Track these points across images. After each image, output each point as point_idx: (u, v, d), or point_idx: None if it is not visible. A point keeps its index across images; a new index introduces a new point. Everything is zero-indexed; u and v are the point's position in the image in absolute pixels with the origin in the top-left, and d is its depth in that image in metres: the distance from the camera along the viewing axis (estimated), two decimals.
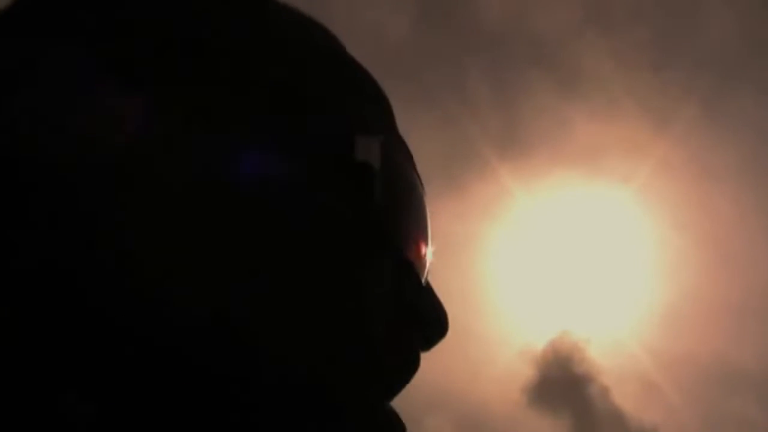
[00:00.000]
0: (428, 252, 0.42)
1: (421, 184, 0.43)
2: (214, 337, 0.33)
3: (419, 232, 0.41)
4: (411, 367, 0.39)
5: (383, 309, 0.37)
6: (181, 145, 0.33)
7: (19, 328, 0.31)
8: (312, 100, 0.37)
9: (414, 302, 0.39)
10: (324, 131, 0.37)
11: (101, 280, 0.31)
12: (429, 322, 0.40)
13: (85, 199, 0.32)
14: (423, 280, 0.41)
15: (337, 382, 0.36)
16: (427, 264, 0.42)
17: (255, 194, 0.34)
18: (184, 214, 0.33)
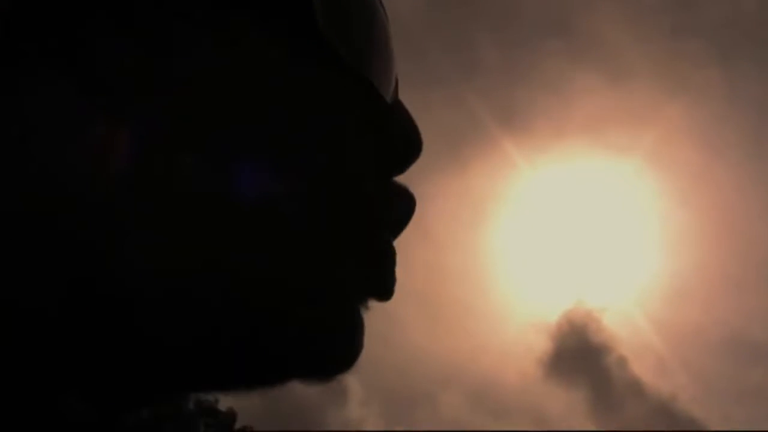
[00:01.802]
0: (392, 70, 0.39)
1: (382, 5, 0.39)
2: (218, 313, 0.32)
3: (379, 52, 0.37)
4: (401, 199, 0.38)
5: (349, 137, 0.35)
6: None
7: (19, 328, 0.30)
8: None
9: (381, 124, 0.37)
10: None
11: (101, 280, 0.31)
12: (400, 143, 0.38)
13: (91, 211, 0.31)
14: (390, 100, 0.38)
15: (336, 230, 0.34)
16: (393, 83, 0.39)
17: None
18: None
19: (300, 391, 0.36)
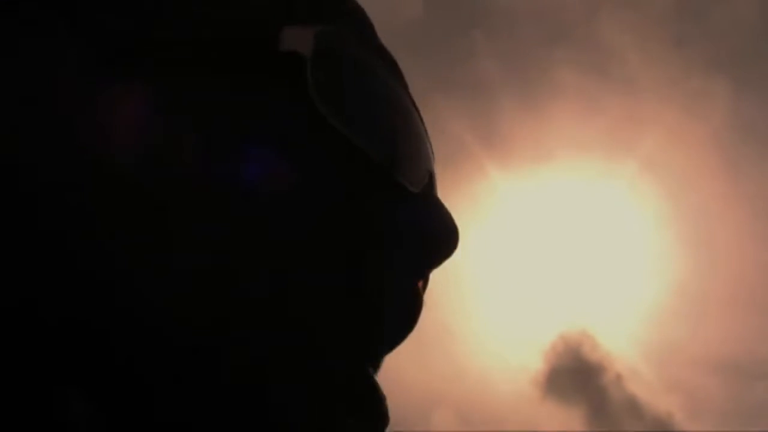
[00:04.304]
0: (421, 161, 0.37)
1: (415, 107, 0.38)
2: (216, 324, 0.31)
3: (399, 135, 0.36)
4: (412, 304, 0.35)
5: (348, 226, 0.33)
6: None
7: (18, 327, 0.30)
8: None
9: (404, 219, 0.35)
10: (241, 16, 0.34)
11: (101, 278, 0.30)
12: (428, 239, 0.35)
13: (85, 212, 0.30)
14: (414, 189, 0.36)
15: (331, 338, 0.32)
16: (419, 172, 0.36)
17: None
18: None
19: None
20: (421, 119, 0.39)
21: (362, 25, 0.39)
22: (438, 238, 0.35)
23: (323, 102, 0.33)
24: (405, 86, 0.39)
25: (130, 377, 0.31)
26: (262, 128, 0.33)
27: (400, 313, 0.35)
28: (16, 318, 0.30)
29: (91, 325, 0.30)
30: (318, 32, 0.34)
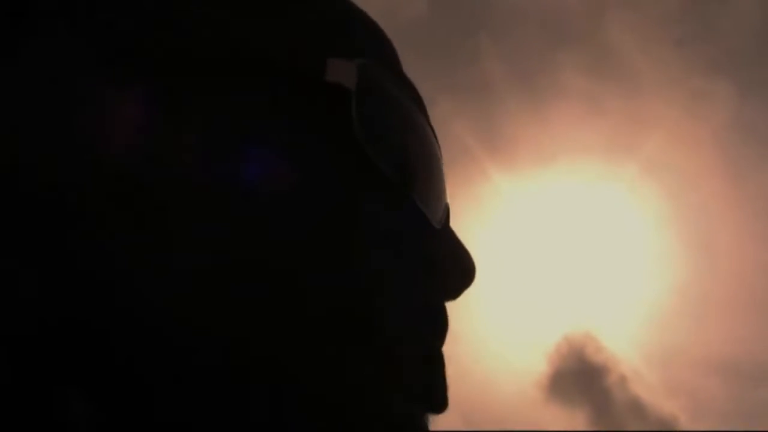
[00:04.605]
0: (441, 197, 0.38)
1: (435, 138, 0.39)
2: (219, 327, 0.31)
3: (424, 172, 0.37)
4: (440, 328, 0.36)
5: (388, 262, 0.34)
6: None
7: (18, 327, 0.30)
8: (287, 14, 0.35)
9: (429, 250, 0.36)
10: (290, 48, 0.34)
11: (101, 277, 0.30)
12: (448, 271, 0.37)
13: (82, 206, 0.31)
14: (437, 225, 0.37)
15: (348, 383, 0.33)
16: (441, 209, 0.38)
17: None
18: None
19: None
20: (440, 151, 0.40)
21: (393, 57, 0.40)
22: (465, 271, 0.38)
23: (363, 128, 0.34)
24: (426, 116, 0.40)
25: (130, 377, 0.31)
26: (263, 128, 0.33)
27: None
28: (16, 318, 0.30)
29: (91, 325, 0.30)
30: (360, 65, 0.35)
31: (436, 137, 0.40)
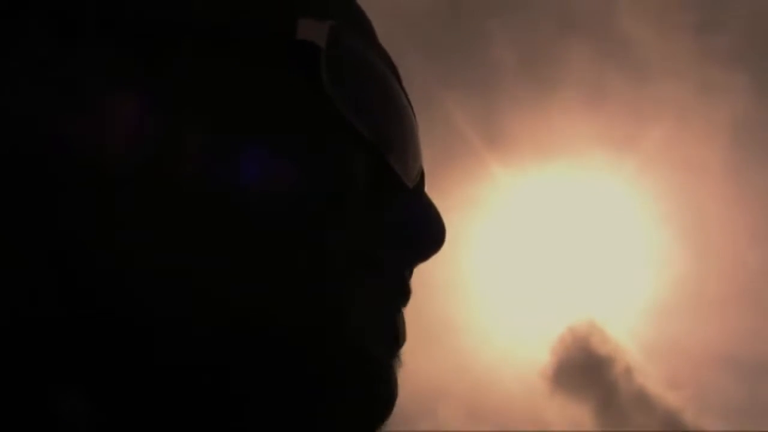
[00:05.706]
0: (416, 158, 0.38)
1: (408, 102, 0.39)
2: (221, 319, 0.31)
3: (398, 130, 0.37)
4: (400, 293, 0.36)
5: (357, 222, 0.34)
6: None
7: (18, 327, 0.30)
8: None
9: (398, 214, 0.36)
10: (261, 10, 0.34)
11: (101, 277, 0.30)
12: (419, 232, 0.36)
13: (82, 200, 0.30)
14: (410, 184, 0.37)
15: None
16: (415, 169, 0.38)
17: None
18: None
19: None
20: (414, 116, 0.40)
21: (368, 27, 0.40)
22: (434, 235, 0.37)
23: (334, 86, 0.34)
24: (402, 86, 0.40)
25: (130, 377, 0.31)
26: (263, 128, 0.33)
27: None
28: (16, 318, 0.30)
29: (91, 325, 0.30)
30: (331, 26, 0.35)
31: (410, 102, 0.40)
